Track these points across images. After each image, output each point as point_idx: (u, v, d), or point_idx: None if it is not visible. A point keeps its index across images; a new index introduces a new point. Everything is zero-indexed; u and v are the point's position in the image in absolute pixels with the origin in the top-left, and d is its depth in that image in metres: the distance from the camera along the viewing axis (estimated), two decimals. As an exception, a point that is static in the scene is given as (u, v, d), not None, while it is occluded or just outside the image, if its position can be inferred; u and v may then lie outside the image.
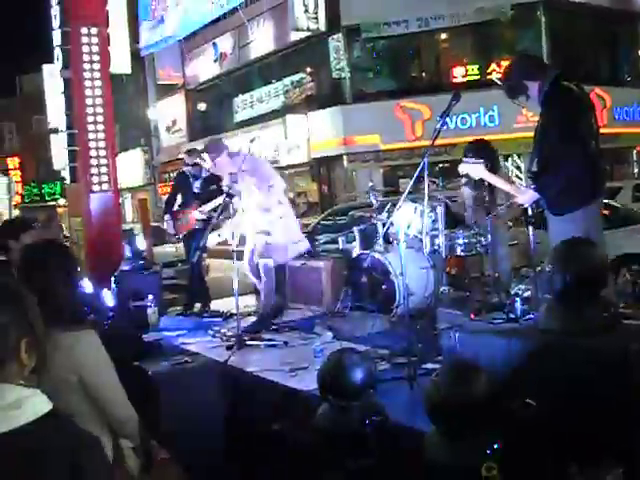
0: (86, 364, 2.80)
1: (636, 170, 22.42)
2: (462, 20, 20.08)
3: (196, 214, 7.66)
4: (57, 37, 8.62)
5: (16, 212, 30.52)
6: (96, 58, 8.22)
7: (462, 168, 5.17)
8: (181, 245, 14.55)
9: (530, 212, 4.59)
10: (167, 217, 8.01)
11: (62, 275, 2.99)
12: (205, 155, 6.88)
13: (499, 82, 4.63)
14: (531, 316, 4.25)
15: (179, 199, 8.11)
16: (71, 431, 1.70)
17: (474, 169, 4.95)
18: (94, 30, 8.20)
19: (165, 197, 9.64)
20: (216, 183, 7.74)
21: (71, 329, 2.82)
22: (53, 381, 2.26)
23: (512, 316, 4.39)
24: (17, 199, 35.89)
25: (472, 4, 19.78)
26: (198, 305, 7.90)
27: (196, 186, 7.96)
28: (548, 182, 4.28)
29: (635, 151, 22.55)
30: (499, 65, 20.03)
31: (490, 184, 6.49)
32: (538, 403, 2.55)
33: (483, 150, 5.99)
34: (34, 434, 1.60)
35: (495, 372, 2.62)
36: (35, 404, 1.66)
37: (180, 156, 26.84)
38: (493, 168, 5.41)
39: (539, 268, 4.85)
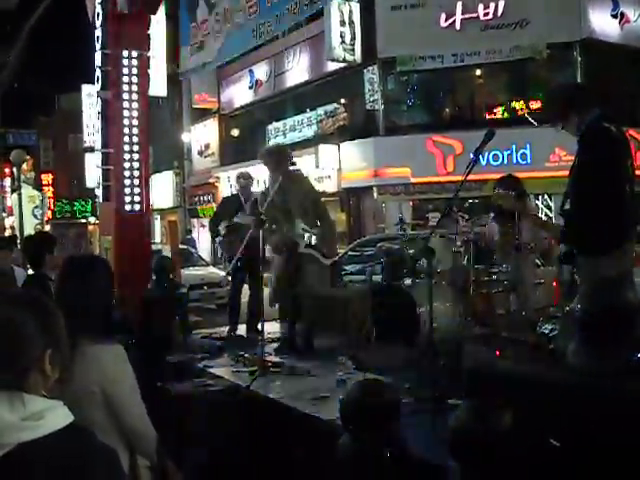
0: (110, 376, 2.82)
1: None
2: (497, 57, 20.12)
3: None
4: (98, 58, 8.80)
5: (47, 227, 30.95)
6: (135, 80, 8.38)
7: (495, 199, 5.16)
8: (208, 269, 14.72)
9: (559, 250, 4.57)
10: (220, 238, 8.07)
11: (101, 289, 3.04)
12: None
13: (532, 121, 4.66)
14: (558, 355, 4.21)
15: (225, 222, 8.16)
16: (90, 444, 1.72)
17: (506, 200, 4.93)
18: (135, 53, 8.37)
19: (197, 220, 9.74)
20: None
21: (100, 342, 2.85)
22: (76, 393, 2.29)
23: (538, 354, 4.36)
24: (49, 214, 36.39)
25: (508, 42, 19.83)
26: (225, 329, 7.94)
27: (246, 208, 8.07)
28: (580, 222, 4.26)
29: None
30: (533, 103, 20.07)
31: (518, 221, 6.49)
32: (562, 443, 2.53)
33: (513, 184, 6.01)
34: (54, 446, 1.61)
35: (520, 410, 2.59)
36: (57, 416, 1.67)
37: (211, 180, 27.22)
38: (522, 202, 5.40)
39: (567, 308, 4.82)
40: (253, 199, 8.09)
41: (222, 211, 8.37)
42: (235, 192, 8.54)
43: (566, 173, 4.53)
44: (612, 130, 4.29)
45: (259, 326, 6.76)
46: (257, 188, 7.53)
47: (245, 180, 8.33)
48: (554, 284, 6.39)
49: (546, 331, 4.86)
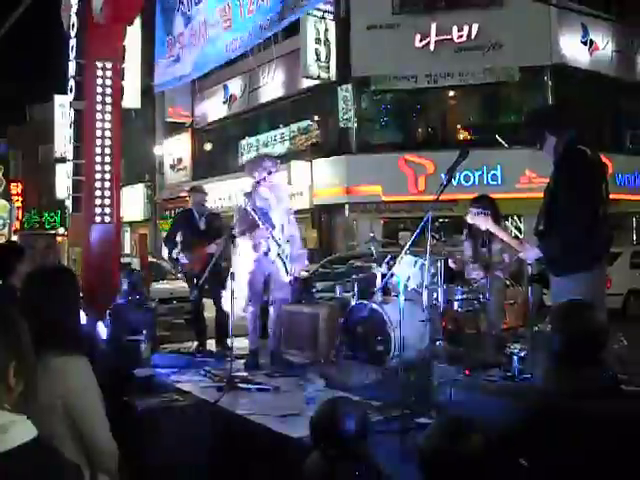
0: (74, 389, 2.77)
1: (635, 237, 22.53)
2: (470, 79, 20.40)
3: (212, 247, 7.61)
4: (72, 68, 8.74)
5: (14, 238, 30.53)
6: (109, 91, 8.33)
7: (470, 218, 5.16)
8: (177, 283, 14.59)
9: (530, 270, 4.61)
10: (176, 251, 7.98)
11: (66, 301, 2.99)
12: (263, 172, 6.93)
13: (504, 143, 4.72)
14: (527, 375, 4.24)
15: (179, 236, 8.12)
16: (55, 459, 1.69)
17: (482, 220, 4.93)
18: (109, 64, 8.33)
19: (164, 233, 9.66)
20: (219, 221, 8.19)
21: (64, 354, 2.80)
22: (39, 407, 2.24)
23: (508, 374, 4.38)
24: (17, 225, 35.92)
25: (481, 64, 20.11)
26: (193, 344, 7.88)
27: (202, 223, 8.03)
28: (555, 243, 4.31)
29: (635, 218, 22.70)
30: (505, 125, 20.33)
31: (488, 241, 6.54)
32: (530, 464, 2.52)
33: (489, 203, 6.06)
34: (17, 460, 1.58)
35: (489, 429, 2.59)
36: (21, 430, 1.64)
37: (182, 194, 27.10)
38: (497, 222, 5.44)
39: (536, 328, 4.86)
40: (208, 213, 8.23)
41: (176, 227, 8.30)
42: (188, 207, 8.42)
43: (536, 195, 4.59)
44: (588, 153, 4.35)
45: (228, 341, 6.81)
46: (229, 203, 7.46)
47: (201, 195, 8.29)
48: (524, 304, 6.44)
49: (515, 351, 4.90)
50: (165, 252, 8.25)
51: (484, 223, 4.91)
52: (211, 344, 7.86)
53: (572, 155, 4.35)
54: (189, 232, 7.99)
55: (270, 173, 6.86)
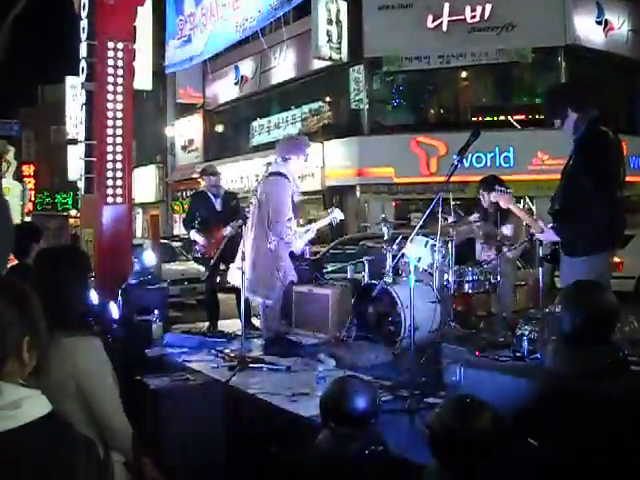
0: (86, 369, 2.79)
1: (648, 219, 22.40)
2: (483, 60, 20.25)
3: (227, 230, 7.65)
4: (83, 49, 8.72)
5: (27, 219, 30.69)
6: (120, 72, 8.31)
7: (493, 197, 5.11)
8: (189, 264, 14.66)
9: (541, 251, 4.60)
10: (194, 232, 8.00)
11: (75, 280, 3.01)
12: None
13: (516, 124, 4.69)
14: (537, 356, 4.24)
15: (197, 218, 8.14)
16: (69, 434, 1.70)
17: (506, 199, 4.88)
18: (120, 45, 8.30)
19: (179, 216, 9.68)
20: (236, 200, 8.25)
21: (76, 334, 2.82)
22: (51, 385, 2.26)
23: (518, 355, 4.38)
24: (29, 206, 36.09)
25: (494, 45, 19.95)
26: (205, 324, 7.93)
27: (217, 204, 8.04)
28: (571, 225, 4.28)
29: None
30: (518, 106, 20.20)
31: (501, 223, 6.53)
32: (540, 443, 2.53)
33: (499, 183, 6.04)
34: (33, 434, 1.59)
35: (498, 409, 2.60)
36: (35, 405, 1.65)
37: (194, 175, 27.13)
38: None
39: (547, 309, 4.85)
40: (224, 194, 8.20)
41: (195, 208, 8.32)
42: (202, 189, 8.42)
43: (548, 177, 4.60)
44: (610, 135, 4.32)
45: (253, 321, 7.07)
46: (240, 184, 7.46)
47: (215, 177, 8.23)
48: (535, 286, 6.43)
49: (526, 332, 4.89)
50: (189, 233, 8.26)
51: (507, 202, 4.86)
52: (222, 325, 7.89)
53: (594, 136, 4.31)
54: (205, 214, 8.01)
55: (306, 160, 6.84)
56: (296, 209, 6.70)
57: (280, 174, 6.62)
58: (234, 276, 6.74)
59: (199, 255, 8.14)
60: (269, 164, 7.02)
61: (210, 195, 8.12)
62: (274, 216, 6.44)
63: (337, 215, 7.06)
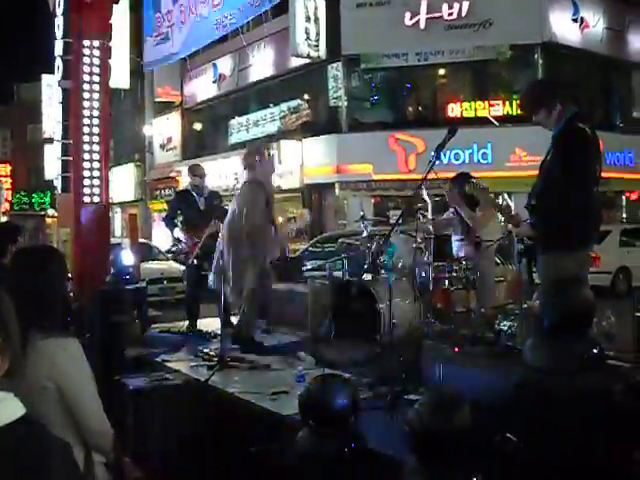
0: (65, 372, 2.76)
1: (624, 215, 22.61)
2: (460, 57, 20.31)
3: (210, 228, 7.61)
4: (59, 47, 8.63)
5: (4, 219, 30.40)
6: (96, 71, 8.23)
7: (471, 189, 5.17)
8: (168, 263, 14.59)
9: (517, 247, 4.62)
10: (177, 230, 7.97)
11: (52, 281, 2.97)
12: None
13: (494, 121, 4.73)
14: (516, 351, 4.26)
15: (180, 217, 8.11)
16: (43, 438, 1.66)
17: (450, 196, 4.97)
18: (96, 43, 8.22)
19: (158, 214, 9.63)
20: (219, 199, 8.24)
21: (53, 335, 2.78)
22: (28, 388, 2.23)
23: (497, 351, 4.40)
24: (6, 206, 35.76)
25: (471, 42, 20.02)
26: (184, 323, 7.89)
27: (201, 203, 8.00)
28: (547, 222, 4.30)
29: (624, 196, 22.77)
30: (495, 103, 20.28)
31: (475, 218, 6.56)
32: (519, 438, 2.55)
33: (460, 180, 6.10)
34: (5, 439, 1.56)
35: (477, 405, 2.61)
36: (7, 407, 1.61)
37: (172, 174, 26.99)
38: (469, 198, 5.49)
39: (525, 305, 4.88)
40: (208, 193, 8.16)
41: (174, 210, 8.28)
42: (186, 187, 8.42)
43: (526, 173, 4.61)
44: (587, 132, 4.34)
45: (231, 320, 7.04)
46: (219, 182, 7.43)
47: (201, 178, 8.20)
48: (514, 281, 6.46)
49: (504, 328, 4.92)
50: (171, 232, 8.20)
51: (452, 200, 4.94)
52: (201, 324, 7.85)
53: (572, 133, 4.33)
54: (189, 213, 7.98)
55: (269, 156, 6.93)
56: (270, 212, 6.76)
57: (250, 182, 6.76)
58: (215, 280, 6.75)
59: (183, 253, 8.09)
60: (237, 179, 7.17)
61: (194, 194, 8.08)
62: (247, 219, 6.52)
63: None
